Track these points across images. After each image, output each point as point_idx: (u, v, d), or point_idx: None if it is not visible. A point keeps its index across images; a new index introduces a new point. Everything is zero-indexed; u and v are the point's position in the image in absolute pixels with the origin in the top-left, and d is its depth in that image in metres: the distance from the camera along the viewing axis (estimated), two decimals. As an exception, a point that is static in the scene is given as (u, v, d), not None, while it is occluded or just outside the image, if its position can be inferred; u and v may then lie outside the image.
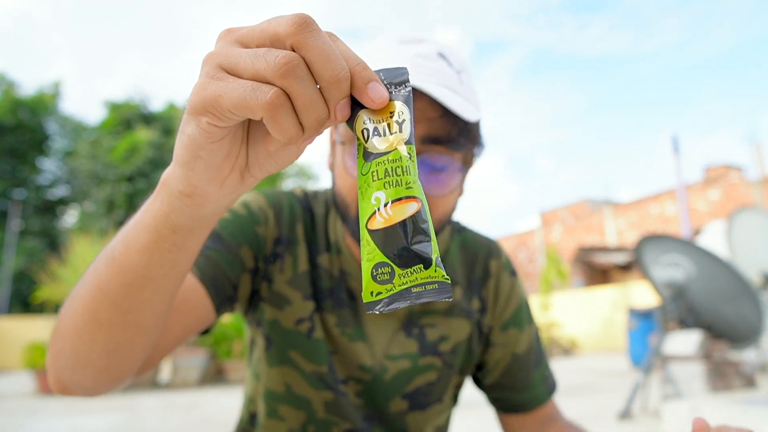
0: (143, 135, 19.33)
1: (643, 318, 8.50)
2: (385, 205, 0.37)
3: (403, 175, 0.37)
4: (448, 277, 0.37)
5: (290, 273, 0.84)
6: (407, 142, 0.38)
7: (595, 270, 19.02)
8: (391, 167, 0.37)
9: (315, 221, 0.88)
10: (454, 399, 0.96)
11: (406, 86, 0.39)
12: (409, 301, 0.37)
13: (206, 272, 0.74)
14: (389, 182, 0.37)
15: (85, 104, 56.87)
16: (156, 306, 0.56)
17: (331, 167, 0.83)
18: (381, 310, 0.37)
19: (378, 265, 0.37)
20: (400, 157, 0.37)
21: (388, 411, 0.87)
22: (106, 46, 56.41)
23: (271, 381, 0.86)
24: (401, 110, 0.38)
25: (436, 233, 0.79)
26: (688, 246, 4.86)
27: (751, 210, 6.82)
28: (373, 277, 0.37)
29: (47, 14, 57.64)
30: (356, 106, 0.39)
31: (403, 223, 0.36)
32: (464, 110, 0.70)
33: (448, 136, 0.72)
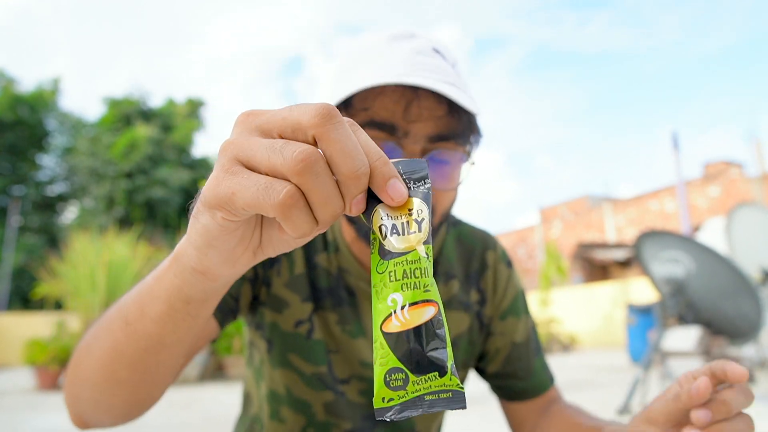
0: (142, 131, 19.30)
1: (642, 314, 8.51)
2: (402, 308, 0.35)
3: (422, 277, 0.36)
4: (462, 386, 0.36)
5: (287, 276, 0.84)
6: (425, 242, 0.37)
7: (595, 266, 19.04)
8: (410, 269, 0.36)
9: None
10: None
11: (425, 182, 0.38)
12: (421, 410, 0.35)
13: None
14: (407, 284, 0.36)
15: (84, 101, 56.81)
16: (173, 365, 0.58)
17: None
18: (392, 418, 0.35)
19: (392, 371, 0.35)
20: (419, 258, 0.36)
21: None
22: (105, 42, 56.28)
23: (274, 383, 0.87)
24: (420, 208, 0.37)
25: (439, 227, 0.79)
26: (687, 242, 4.86)
27: (750, 206, 6.83)
28: (386, 383, 0.35)
29: (47, 10, 57.54)
30: (372, 199, 0.38)
31: (420, 328, 0.35)
32: (469, 105, 0.71)
33: (455, 132, 0.73)
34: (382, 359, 0.35)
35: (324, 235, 0.87)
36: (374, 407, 0.37)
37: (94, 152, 19.88)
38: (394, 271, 0.36)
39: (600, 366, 8.57)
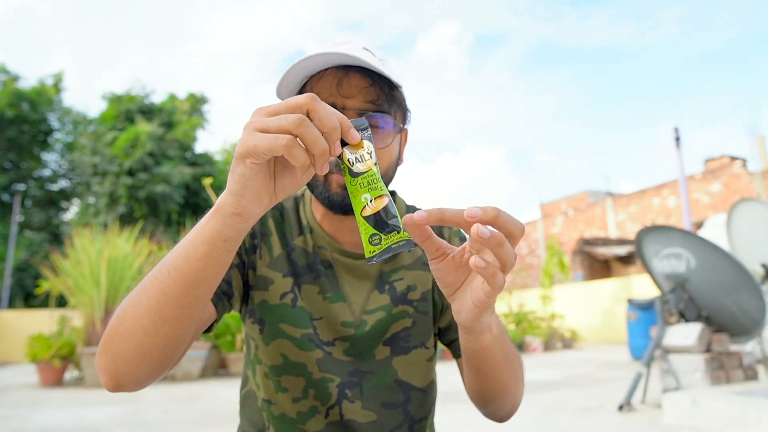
0: (144, 128, 19.29)
1: (642, 310, 8.50)
2: (371, 201, 0.60)
3: (377, 183, 0.61)
4: (411, 238, 0.60)
5: (268, 258, 0.99)
6: (375, 164, 0.62)
7: (596, 262, 19.03)
8: (370, 179, 0.61)
9: (284, 213, 1.05)
10: (436, 348, 1.09)
11: (368, 130, 0.63)
12: (391, 253, 0.60)
13: None
14: (371, 188, 0.60)
15: (87, 97, 56.75)
16: (206, 298, 0.72)
17: None
18: (377, 260, 0.59)
19: (372, 236, 0.59)
20: (374, 174, 0.61)
21: (374, 360, 0.99)
22: (107, 38, 56.22)
23: (270, 357, 0.97)
24: (368, 145, 0.62)
25: (386, 180, 0.95)
26: (688, 237, 4.86)
27: (751, 201, 6.81)
28: (370, 242, 0.59)
29: (49, 7, 57.45)
30: (340, 145, 0.61)
31: (383, 209, 0.60)
32: (390, 74, 0.90)
33: (380, 99, 0.91)
34: (365, 230, 0.60)
35: (299, 222, 1.04)
36: (365, 257, 0.62)
37: (95, 149, 19.87)
38: (361, 182, 0.61)
39: (601, 362, 8.57)
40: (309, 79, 0.93)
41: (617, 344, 12.13)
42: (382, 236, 0.59)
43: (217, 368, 8.09)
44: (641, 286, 12.13)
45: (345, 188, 0.91)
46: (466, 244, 0.65)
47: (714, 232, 7.89)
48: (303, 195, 1.09)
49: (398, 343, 1.00)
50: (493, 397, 0.89)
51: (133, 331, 0.71)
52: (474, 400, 0.94)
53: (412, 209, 1.12)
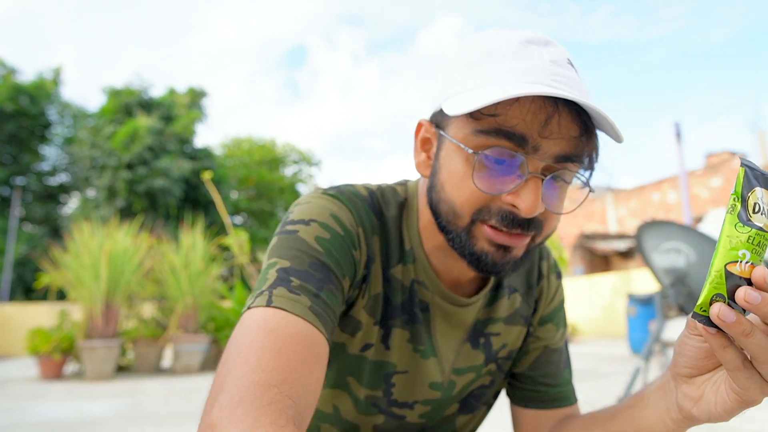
0: (143, 121, 19.26)
1: (642, 304, 8.51)
2: (746, 262, 0.50)
3: (764, 250, 0.51)
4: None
5: (368, 296, 0.77)
6: None
7: (596, 257, 19.05)
8: (760, 240, 0.50)
9: (387, 230, 0.79)
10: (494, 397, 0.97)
11: None
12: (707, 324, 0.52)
13: (328, 323, 0.64)
14: (756, 250, 0.50)
15: (86, 91, 56.65)
16: None
17: (425, 167, 0.77)
18: (701, 322, 0.52)
19: (717, 295, 0.50)
20: (766, 236, 0.50)
21: (441, 417, 0.86)
22: (107, 32, 56.05)
23: (321, 402, 0.83)
24: None
25: (544, 241, 0.77)
26: (688, 232, 4.86)
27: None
28: (711, 301, 0.51)
29: (49, 1, 57.27)
30: (755, 180, 0.51)
31: (748, 280, 0.50)
32: (610, 128, 0.67)
33: (583, 155, 0.68)
34: (715, 284, 0.50)
35: (401, 245, 0.80)
36: (694, 311, 0.52)
37: (94, 142, 19.85)
38: (753, 236, 0.50)
39: (601, 356, 8.59)
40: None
41: (617, 338, 12.16)
42: (724, 304, 0.50)
43: (217, 362, 8.10)
44: (641, 280, 12.15)
45: (499, 247, 0.70)
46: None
47: (713, 226, 7.89)
48: (406, 200, 0.82)
49: (470, 401, 0.88)
50: None
51: None
52: None
53: None
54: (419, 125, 0.77)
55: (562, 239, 20.68)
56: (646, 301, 8.43)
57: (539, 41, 0.69)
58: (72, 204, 23.84)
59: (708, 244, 4.71)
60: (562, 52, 0.69)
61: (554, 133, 0.65)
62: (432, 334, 0.80)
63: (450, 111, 0.66)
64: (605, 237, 18.97)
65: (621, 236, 18.73)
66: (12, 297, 18.43)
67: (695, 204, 17.25)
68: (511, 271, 0.72)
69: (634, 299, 8.69)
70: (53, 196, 23.62)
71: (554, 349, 0.91)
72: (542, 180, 0.66)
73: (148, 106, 21.06)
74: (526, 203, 0.66)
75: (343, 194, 0.77)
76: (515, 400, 0.91)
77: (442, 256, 0.78)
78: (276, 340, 0.56)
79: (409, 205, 0.81)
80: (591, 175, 0.72)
